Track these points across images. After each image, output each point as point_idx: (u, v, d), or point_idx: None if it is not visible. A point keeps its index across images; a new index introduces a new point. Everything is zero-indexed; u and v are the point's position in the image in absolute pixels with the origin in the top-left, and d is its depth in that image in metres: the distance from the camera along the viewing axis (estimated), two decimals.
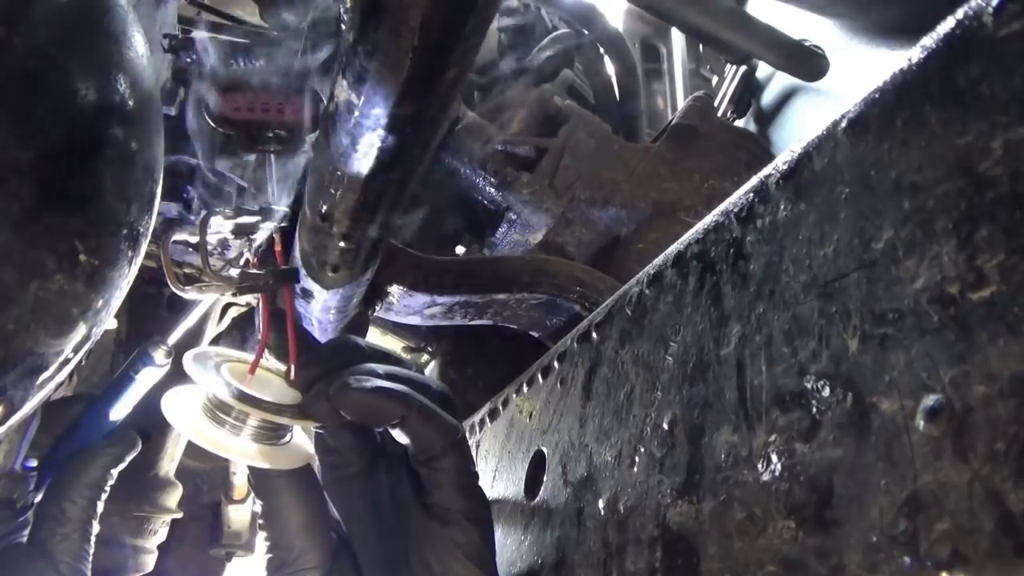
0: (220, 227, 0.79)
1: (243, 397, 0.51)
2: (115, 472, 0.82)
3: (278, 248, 0.79)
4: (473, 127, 1.22)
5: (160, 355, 0.87)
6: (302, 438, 0.57)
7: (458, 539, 0.50)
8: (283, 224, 0.80)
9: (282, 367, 0.56)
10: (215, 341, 1.22)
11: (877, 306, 0.32)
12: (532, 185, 1.17)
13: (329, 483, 0.56)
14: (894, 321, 0.31)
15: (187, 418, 0.52)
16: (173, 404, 0.53)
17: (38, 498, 0.81)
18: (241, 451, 0.52)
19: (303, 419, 0.52)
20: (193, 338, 1.27)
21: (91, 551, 0.77)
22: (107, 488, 0.81)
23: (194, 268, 0.77)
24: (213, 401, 0.52)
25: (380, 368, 0.53)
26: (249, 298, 0.88)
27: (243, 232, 0.80)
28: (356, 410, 0.50)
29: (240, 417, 0.52)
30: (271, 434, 0.53)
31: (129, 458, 0.84)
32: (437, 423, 0.51)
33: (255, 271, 0.77)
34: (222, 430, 0.52)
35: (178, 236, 0.78)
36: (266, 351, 0.58)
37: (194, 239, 0.76)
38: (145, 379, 0.88)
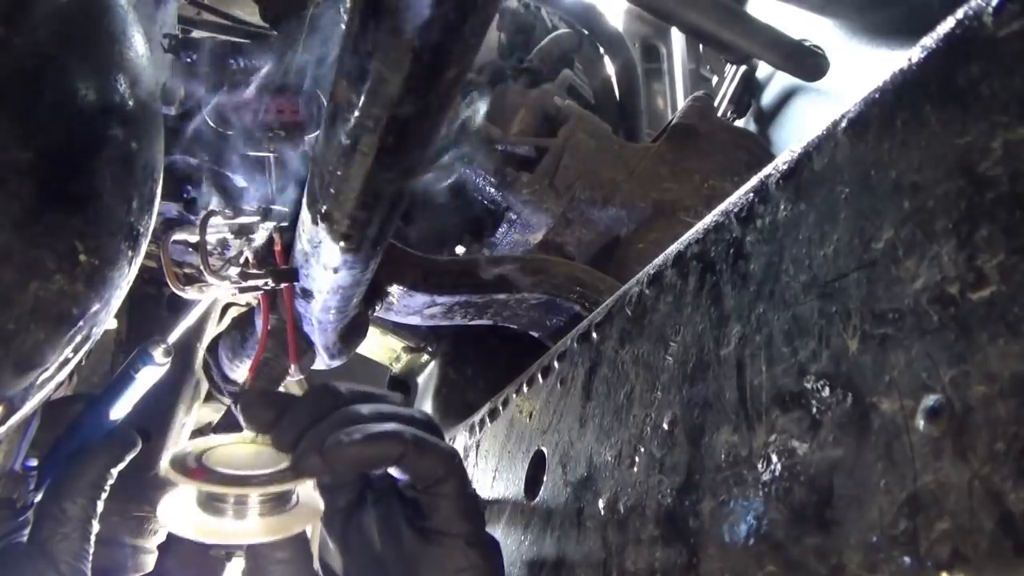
0: (220, 227, 0.79)
1: (232, 481, 0.49)
2: (115, 471, 0.82)
3: (277, 248, 0.79)
4: (473, 127, 1.22)
5: (159, 354, 0.87)
6: (310, 494, 0.55)
7: (460, 563, 0.50)
8: (283, 224, 0.80)
9: (267, 439, 0.53)
10: (215, 341, 1.22)
11: (877, 306, 0.32)
12: (532, 185, 1.17)
13: (328, 519, 0.55)
14: (894, 321, 0.31)
15: (188, 520, 0.50)
16: (170, 511, 0.51)
17: (38, 498, 0.81)
18: (252, 532, 0.50)
19: (298, 480, 0.50)
20: (193, 337, 1.27)
21: (91, 551, 0.77)
22: (107, 487, 0.81)
23: (194, 268, 0.77)
24: (207, 494, 0.50)
25: (364, 408, 0.52)
26: (249, 298, 0.88)
27: (243, 232, 0.80)
28: (354, 462, 0.49)
29: (240, 499, 0.50)
30: (277, 503, 0.52)
31: (129, 457, 0.83)
32: (434, 452, 0.51)
33: (255, 271, 0.77)
34: (227, 518, 0.50)
35: (178, 236, 0.78)
36: (242, 425, 0.56)
37: (194, 239, 0.76)
38: (145, 378, 0.88)
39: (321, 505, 0.54)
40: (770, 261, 0.40)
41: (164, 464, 0.50)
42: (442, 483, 0.51)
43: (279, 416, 0.52)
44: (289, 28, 1.04)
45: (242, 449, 0.53)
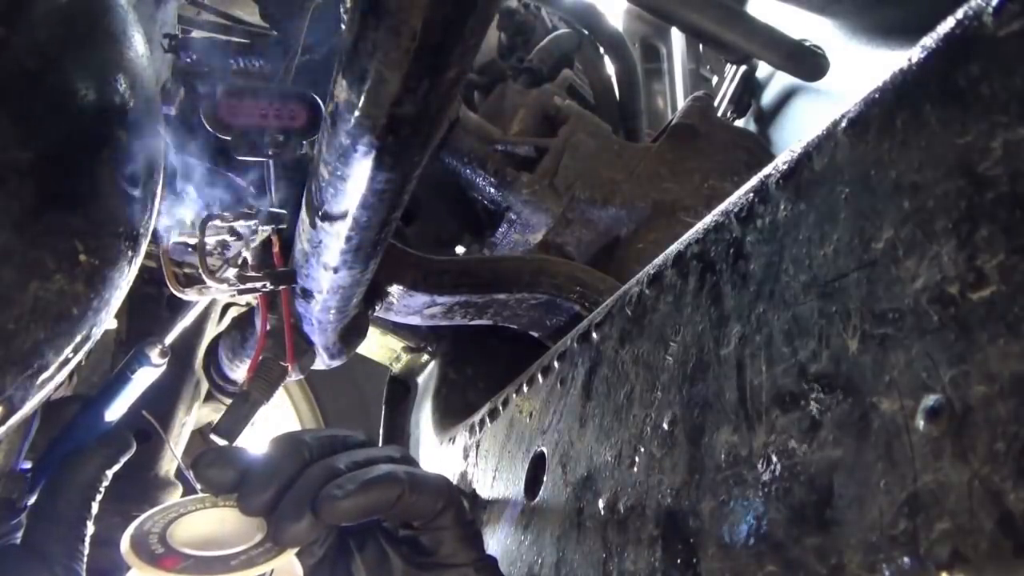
0: (219, 228, 0.79)
1: (210, 567, 0.44)
2: (109, 473, 0.81)
3: (276, 250, 0.79)
4: (473, 127, 1.22)
5: (156, 355, 0.87)
6: (287, 561, 0.49)
7: None
8: (282, 226, 0.80)
9: (230, 499, 0.49)
10: (215, 341, 1.22)
11: (877, 306, 0.32)
12: (532, 185, 1.17)
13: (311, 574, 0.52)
14: (894, 321, 0.31)
15: None
16: None
17: (32, 500, 0.81)
18: None
19: (283, 552, 0.46)
20: (193, 337, 1.27)
21: (85, 552, 0.76)
22: (101, 489, 0.80)
23: (194, 268, 0.77)
24: None
25: (341, 462, 0.49)
26: (249, 298, 0.88)
27: (241, 234, 0.80)
28: (352, 515, 0.47)
29: None
30: None
31: (124, 459, 0.83)
32: (430, 487, 0.49)
33: (253, 273, 0.77)
34: None
35: (178, 237, 0.78)
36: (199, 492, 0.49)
37: (194, 240, 0.76)
38: (141, 379, 0.87)
39: (299, 568, 0.49)
40: (770, 261, 0.40)
41: (123, 547, 0.44)
42: (442, 515, 0.50)
43: (242, 476, 0.48)
44: (289, 28, 1.04)
45: (207, 517, 0.48)
